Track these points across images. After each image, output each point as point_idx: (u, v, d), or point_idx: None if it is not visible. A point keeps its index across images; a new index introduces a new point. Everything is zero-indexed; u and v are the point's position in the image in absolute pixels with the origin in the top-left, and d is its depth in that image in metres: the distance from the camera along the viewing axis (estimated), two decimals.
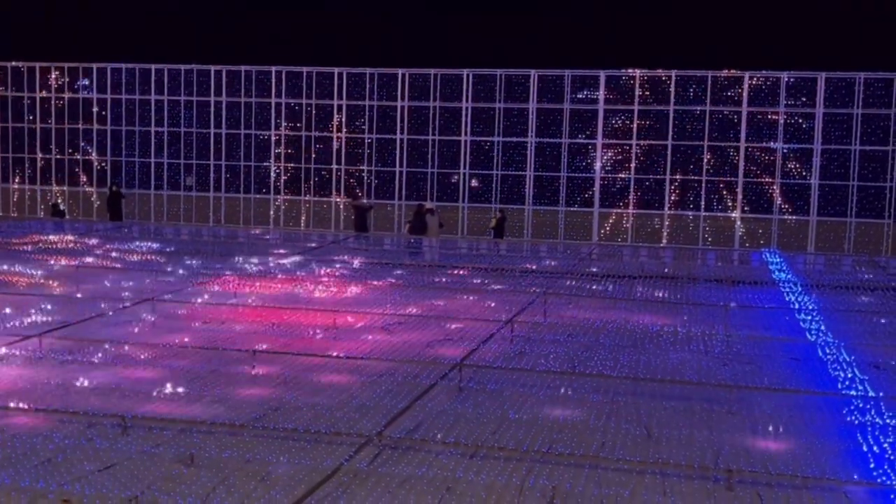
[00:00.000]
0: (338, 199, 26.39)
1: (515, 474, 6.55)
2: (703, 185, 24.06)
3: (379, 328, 11.41)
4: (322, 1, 38.72)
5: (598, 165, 24.70)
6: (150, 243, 19.67)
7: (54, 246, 18.75)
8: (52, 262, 16.25)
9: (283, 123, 26.66)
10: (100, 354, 9.66)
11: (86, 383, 8.58)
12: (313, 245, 20.52)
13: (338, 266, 16.94)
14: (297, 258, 17.80)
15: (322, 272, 16.02)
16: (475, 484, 6.37)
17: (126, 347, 9.98)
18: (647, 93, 24.28)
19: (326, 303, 12.97)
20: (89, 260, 16.68)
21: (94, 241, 19.66)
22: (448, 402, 8.29)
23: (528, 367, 9.62)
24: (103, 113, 27.57)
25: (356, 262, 17.45)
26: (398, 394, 8.46)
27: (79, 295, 12.98)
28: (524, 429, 7.58)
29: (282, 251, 18.99)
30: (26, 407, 7.76)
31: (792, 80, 23.63)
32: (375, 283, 14.95)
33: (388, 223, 26.10)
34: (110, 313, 11.78)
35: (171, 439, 7.07)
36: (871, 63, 23.88)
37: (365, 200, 25.56)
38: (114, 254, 17.69)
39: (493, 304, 13.16)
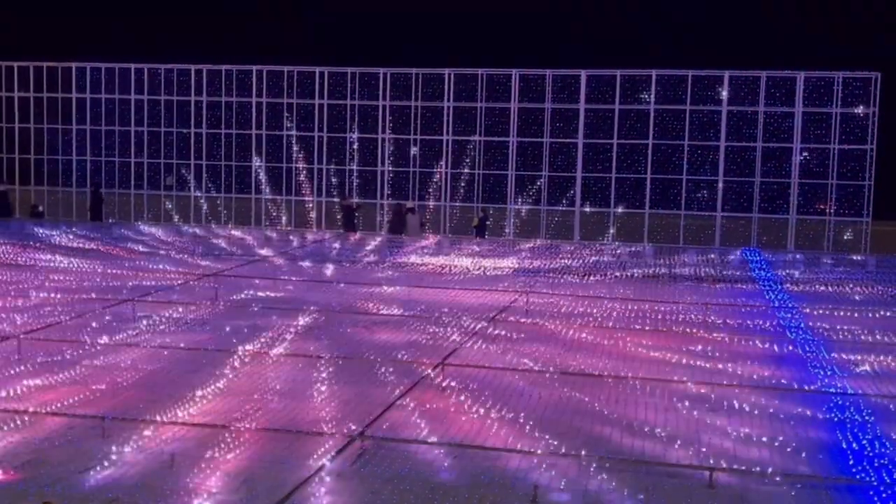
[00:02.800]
0: (319, 199, 26.30)
1: (498, 472, 6.57)
2: (684, 183, 24.14)
3: (361, 327, 11.39)
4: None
5: (579, 164, 24.75)
6: (121, 243, 19.55)
7: (29, 247, 18.61)
8: (27, 262, 16.13)
9: (264, 122, 26.56)
10: (79, 355, 9.60)
11: (66, 384, 8.53)
12: (295, 244, 20.49)
13: (323, 264, 16.90)
14: (282, 256, 17.78)
15: (306, 269, 15.99)
16: (458, 482, 6.38)
17: (105, 348, 9.92)
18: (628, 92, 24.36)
19: (307, 302, 12.94)
20: (64, 261, 16.55)
21: (68, 242, 19.53)
22: (431, 400, 8.29)
23: (510, 365, 9.64)
24: (70, 112, 27.37)
25: (341, 261, 17.43)
26: (381, 393, 8.45)
27: (57, 296, 12.88)
28: (506, 427, 7.60)
29: (268, 249, 18.94)
30: (5, 408, 7.70)
31: (771, 79, 23.75)
32: (358, 281, 14.92)
33: (369, 223, 26.06)
34: (88, 315, 11.70)
35: (152, 440, 7.04)
36: (850, 62, 24.01)
37: (353, 200, 25.50)
38: (88, 253, 17.57)
39: (475, 303, 13.17)
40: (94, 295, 12.98)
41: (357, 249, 19.90)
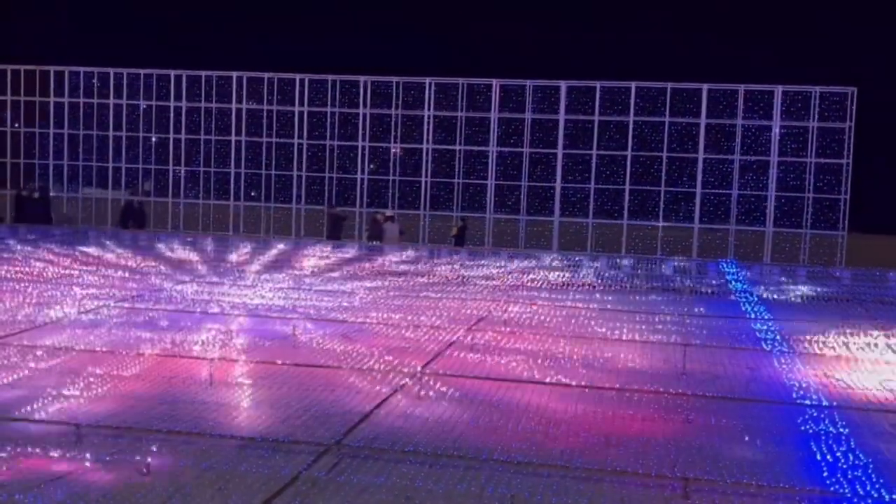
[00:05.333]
0: (298, 206, 26.25)
1: (474, 483, 6.56)
2: (662, 195, 24.30)
3: (339, 335, 11.37)
4: (282, 6, 38.59)
5: (558, 175, 24.85)
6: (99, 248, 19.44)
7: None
8: None
9: (244, 129, 26.51)
10: (53, 360, 9.52)
11: (39, 390, 8.44)
12: (277, 250, 20.42)
13: (296, 272, 16.85)
14: (267, 263, 17.71)
15: (278, 276, 15.93)
16: (434, 493, 6.37)
17: (79, 354, 9.84)
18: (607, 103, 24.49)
19: (284, 310, 12.90)
20: (35, 264, 16.43)
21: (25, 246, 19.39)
22: (408, 409, 8.28)
23: (487, 374, 9.64)
24: (48, 116, 27.20)
25: (317, 269, 17.38)
26: (357, 402, 8.43)
27: (29, 300, 12.77)
28: (483, 437, 7.60)
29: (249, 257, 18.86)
30: None
31: (749, 92, 23.96)
32: (335, 289, 14.89)
33: (349, 230, 26.05)
34: (62, 319, 11.61)
35: (126, 448, 6.98)
36: (827, 77, 24.28)
37: (339, 209, 25.49)
38: (53, 258, 17.45)
39: (453, 312, 13.17)
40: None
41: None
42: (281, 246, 21.76)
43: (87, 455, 6.77)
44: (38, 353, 9.77)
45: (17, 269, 15.84)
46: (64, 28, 38.68)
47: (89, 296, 13.29)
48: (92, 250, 19.00)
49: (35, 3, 38.36)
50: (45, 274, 15.32)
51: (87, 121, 27.13)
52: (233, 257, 18.98)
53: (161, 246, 20.36)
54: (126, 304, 12.81)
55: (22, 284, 14.14)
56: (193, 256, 18.77)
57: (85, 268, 16.26)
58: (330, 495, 6.24)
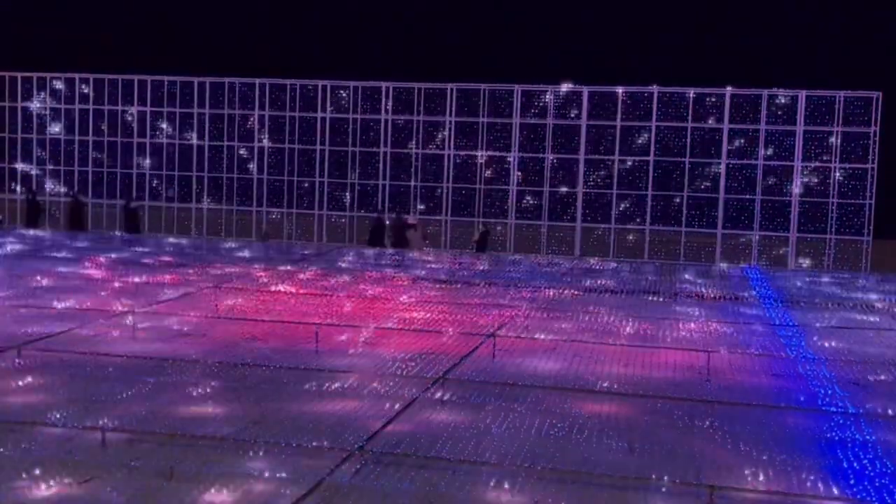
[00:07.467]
0: (321, 212, 26.33)
1: (498, 488, 6.55)
2: (685, 200, 24.18)
3: (361, 341, 11.38)
4: (306, 12, 38.77)
5: (580, 181, 24.80)
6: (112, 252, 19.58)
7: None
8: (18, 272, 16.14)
9: (266, 135, 26.62)
10: (78, 366, 9.59)
11: (65, 395, 8.51)
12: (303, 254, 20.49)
13: (318, 279, 16.89)
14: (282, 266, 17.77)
15: (303, 285, 15.98)
16: (457, 498, 6.36)
17: (104, 359, 9.90)
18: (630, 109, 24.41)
19: (308, 315, 12.93)
20: (62, 269, 16.56)
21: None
22: (430, 415, 8.28)
23: (510, 381, 9.61)
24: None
25: (340, 276, 17.42)
26: (381, 407, 8.44)
27: (56, 306, 12.87)
28: (506, 443, 7.58)
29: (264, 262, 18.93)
30: (4, 420, 7.69)
31: (773, 97, 23.80)
32: (357, 296, 14.92)
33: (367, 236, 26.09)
34: (88, 324, 11.69)
35: (151, 452, 7.02)
36: (852, 82, 24.06)
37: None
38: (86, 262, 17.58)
39: (475, 318, 13.16)
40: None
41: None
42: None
43: (112, 459, 6.80)
44: None
45: None
46: (86, 36, 38.99)
47: None
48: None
49: (57, 11, 38.71)
50: None
51: (111, 128, 27.32)
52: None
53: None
54: None
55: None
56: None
57: None
58: (353, 500, 6.25)
